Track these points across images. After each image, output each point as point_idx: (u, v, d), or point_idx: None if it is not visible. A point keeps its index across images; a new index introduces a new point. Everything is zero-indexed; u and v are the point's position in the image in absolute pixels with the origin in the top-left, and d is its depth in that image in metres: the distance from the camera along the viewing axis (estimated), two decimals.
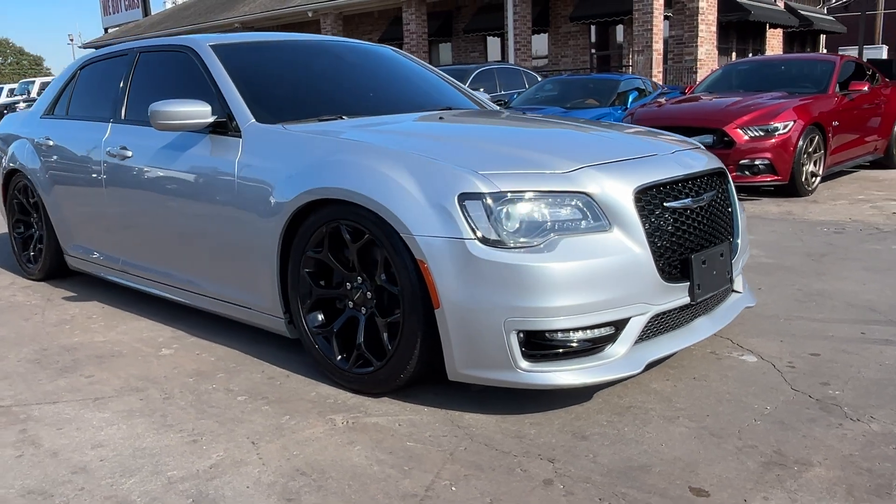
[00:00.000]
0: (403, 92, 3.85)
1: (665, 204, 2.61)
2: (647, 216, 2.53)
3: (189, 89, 3.51)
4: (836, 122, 7.59)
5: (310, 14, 21.01)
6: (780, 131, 6.86)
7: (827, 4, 23.19)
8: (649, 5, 14.81)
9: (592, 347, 2.44)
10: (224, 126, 3.23)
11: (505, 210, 2.38)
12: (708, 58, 16.87)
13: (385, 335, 2.62)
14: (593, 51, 18.68)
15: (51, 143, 4.31)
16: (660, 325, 2.62)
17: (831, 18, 22.46)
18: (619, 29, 18.21)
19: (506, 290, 2.32)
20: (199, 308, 3.47)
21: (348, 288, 2.76)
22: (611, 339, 2.46)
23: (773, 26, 19.81)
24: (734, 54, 18.71)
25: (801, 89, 7.90)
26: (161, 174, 3.44)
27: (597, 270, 2.37)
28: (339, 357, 2.79)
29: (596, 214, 2.45)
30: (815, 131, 7.20)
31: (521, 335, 2.36)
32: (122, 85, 3.97)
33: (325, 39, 4.09)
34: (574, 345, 2.41)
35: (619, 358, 2.45)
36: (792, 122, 6.90)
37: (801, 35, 22.19)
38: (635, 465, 2.17)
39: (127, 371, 3.07)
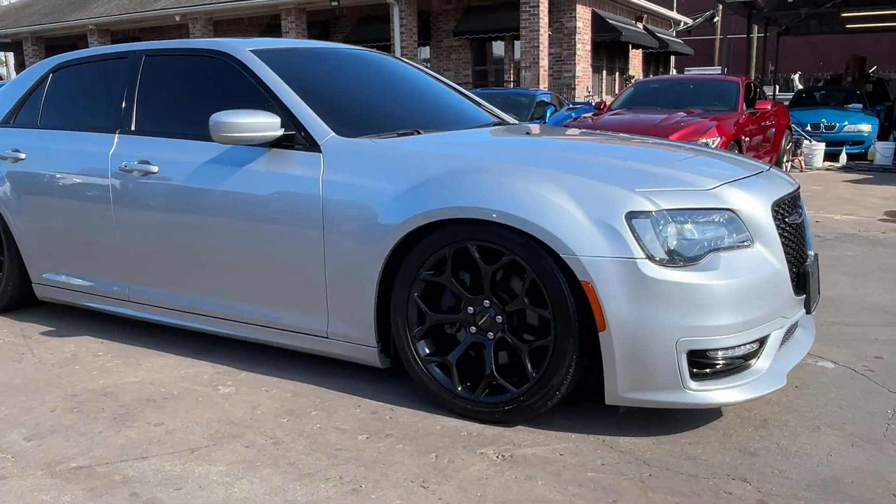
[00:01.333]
0: (448, 105, 3.71)
1: (786, 219, 2.69)
2: (780, 230, 2.59)
3: (229, 98, 3.19)
4: (747, 138, 8.23)
5: (177, 18, 19.84)
6: (711, 147, 7.32)
7: (676, 28, 25.12)
8: (536, 24, 15.33)
9: (742, 364, 2.46)
10: (290, 140, 2.96)
11: (669, 228, 2.35)
12: (584, 75, 17.74)
13: (527, 360, 2.50)
14: (475, 65, 19.05)
15: (21, 156, 3.76)
16: (784, 338, 2.69)
17: (681, 41, 24.34)
18: (500, 45, 18.71)
19: (678, 309, 2.29)
20: (252, 339, 3.14)
21: (470, 312, 2.61)
22: (756, 354, 2.49)
23: (636, 47, 21.19)
24: (605, 72, 19.79)
25: (712, 107, 8.48)
26: (205, 192, 3.09)
27: (755, 286, 2.40)
28: (461, 387, 2.63)
29: (741, 230, 2.48)
30: (735, 147, 7.76)
31: (689, 355, 2.34)
32: (125, 91, 3.52)
33: (346, 47, 3.86)
34: (729, 362, 2.42)
35: (765, 373, 2.49)
36: (719, 139, 7.39)
37: (656, 55, 23.88)
38: (825, 477, 2.20)
39: (200, 416, 2.71)
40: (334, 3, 17.65)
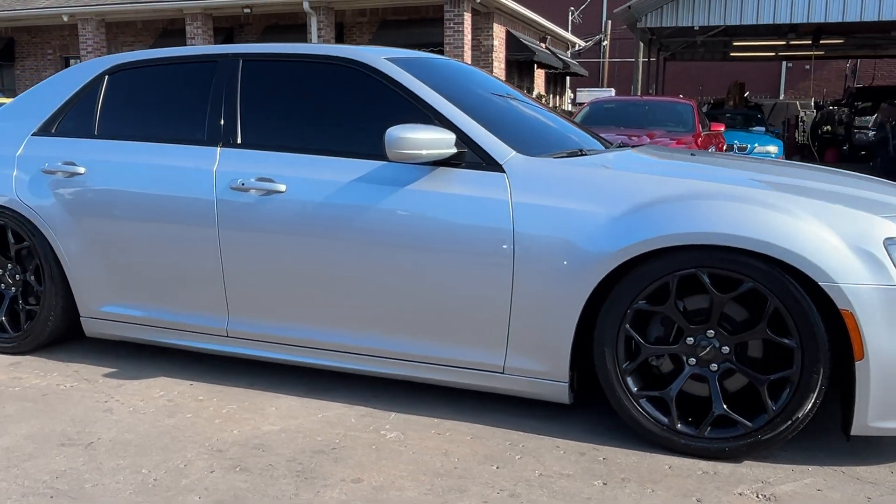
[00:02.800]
0: (564, 124, 3.55)
1: None
2: None
3: (366, 111, 2.91)
4: None
5: (65, 18, 18.27)
6: None
7: (571, 50, 26.08)
8: (460, 40, 15.39)
9: None
10: (457, 158, 2.71)
11: None
12: None
13: (765, 393, 2.39)
14: None
15: (79, 170, 3.24)
16: None
17: (576, 63, 25.29)
18: None
19: None
20: (400, 377, 2.84)
21: (690, 343, 2.47)
22: None
23: (541, 67, 21.77)
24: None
25: (671, 127, 8.80)
26: (353, 215, 2.77)
27: None
28: (680, 423, 2.48)
29: None
30: None
31: None
32: (223, 100, 3.12)
33: (445, 58, 3.61)
34: None
35: None
36: None
37: (555, 76, 24.66)
38: None
39: (394, 468, 2.40)
40: (246, 11, 16.91)
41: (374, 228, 2.74)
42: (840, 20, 15.04)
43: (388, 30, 17.84)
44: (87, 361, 3.41)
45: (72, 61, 20.37)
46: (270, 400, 2.96)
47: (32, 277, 3.44)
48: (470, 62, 15.73)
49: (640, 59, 19.92)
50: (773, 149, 13.79)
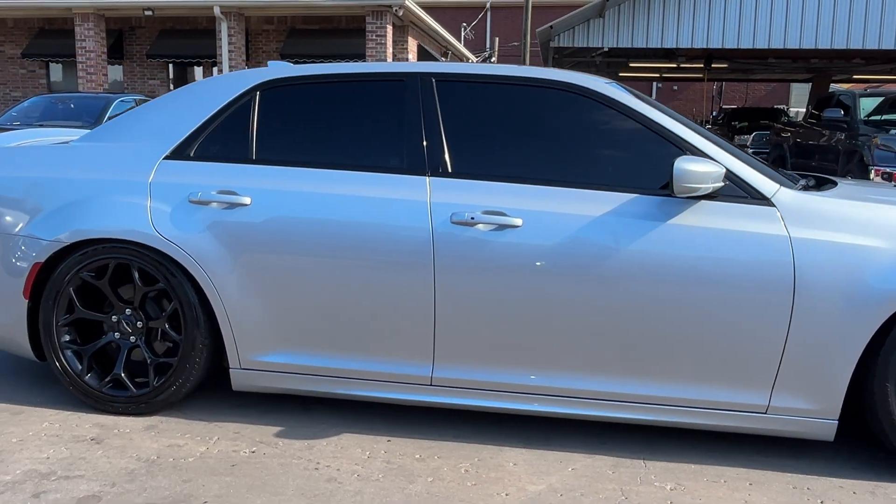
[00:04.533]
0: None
1: None
2: None
3: (591, 137, 2.74)
4: None
5: None
6: None
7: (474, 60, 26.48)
8: (383, 52, 15.13)
9: None
10: (716, 191, 2.60)
11: None
12: None
13: None
14: (172, 87, 18.26)
15: (243, 201, 2.81)
16: None
17: None
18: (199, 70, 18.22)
19: None
20: (654, 423, 2.67)
21: None
22: None
23: None
24: None
25: None
26: (603, 252, 2.58)
27: None
28: None
29: None
30: None
31: None
32: (423, 124, 2.82)
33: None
34: None
35: None
36: None
37: None
38: None
39: None
40: (148, 13, 15.74)
41: (634, 263, 2.56)
42: (729, 46, 16.32)
43: (297, 38, 17.25)
44: (234, 420, 2.95)
45: None
46: (495, 454, 2.69)
47: (167, 325, 2.95)
48: None
49: None
50: None
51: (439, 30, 19.37)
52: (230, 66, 15.66)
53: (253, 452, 2.67)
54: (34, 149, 3.15)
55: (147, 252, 2.87)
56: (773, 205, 2.58)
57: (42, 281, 3.02)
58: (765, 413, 2.61)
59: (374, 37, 15.12)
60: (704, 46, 16.83)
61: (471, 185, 2.72)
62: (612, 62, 20.76)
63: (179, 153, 2.96)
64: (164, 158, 2.96)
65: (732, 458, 2.69)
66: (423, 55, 18.26)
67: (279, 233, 2.78)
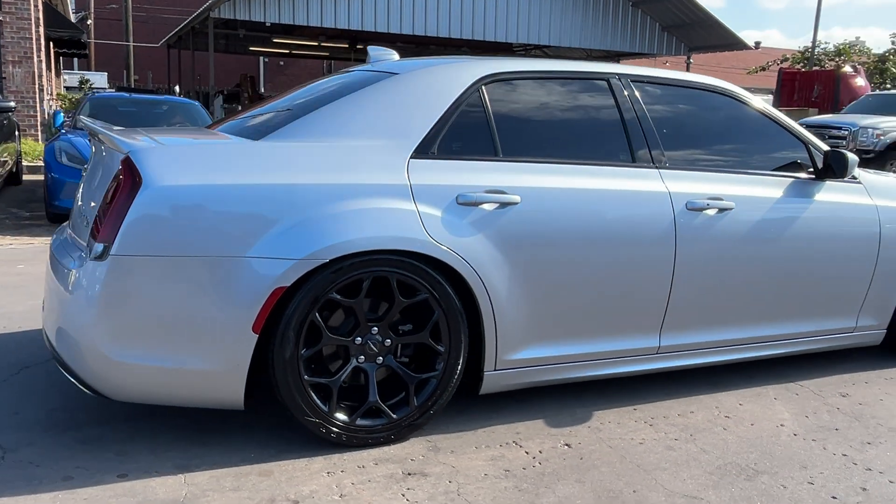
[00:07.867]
0: None
1: None
2: None
3: (740, 132, 3.41)
4: None
5: None
6: None
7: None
8: (27, 4, 12.57)
9: None
10: (822, 173, 3.49)
11: None
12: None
13: None
14: None
15: (514, 199, 2.77)
16: None
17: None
18: None
19: None
20: (784, 354, 3.48)
21: None
22: None
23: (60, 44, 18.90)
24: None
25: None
26: (791, 223, 3.28)
27: None
28: None
29: None
30: None
31: None
32: (638, 121, 3.11)
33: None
34: None
35: None
36: None
37: (56, 54, 21.48)
38: None
39: None
40: None
41: (808, 231, 3.32)
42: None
43: None
44: (493, 423, 2.90)
45: None
46: (714, 398, 3.22)
47: (430, 338, 2.72)
48: (43, 35, 13.20)
49: (132, 44, 19.56)
50: None
51: None
52: None
53: (568, 447, 2.74)
54: (228, 148, 2.52)
55: (412, 261, 2.62)
56: (860, 182, 3.59)
57: (277, 310, 2.50)
58: (853, 332, 3.63)
59: None
60: (346, 28, 17.80)
61: (690, 176, 3.14)
62: (256, 36, 20.47)
63: (423, 152, 2.73)
64: (410, 158, 2.69)
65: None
66: (53, 17, 15.61)
67: (549, 228, 2.82)
